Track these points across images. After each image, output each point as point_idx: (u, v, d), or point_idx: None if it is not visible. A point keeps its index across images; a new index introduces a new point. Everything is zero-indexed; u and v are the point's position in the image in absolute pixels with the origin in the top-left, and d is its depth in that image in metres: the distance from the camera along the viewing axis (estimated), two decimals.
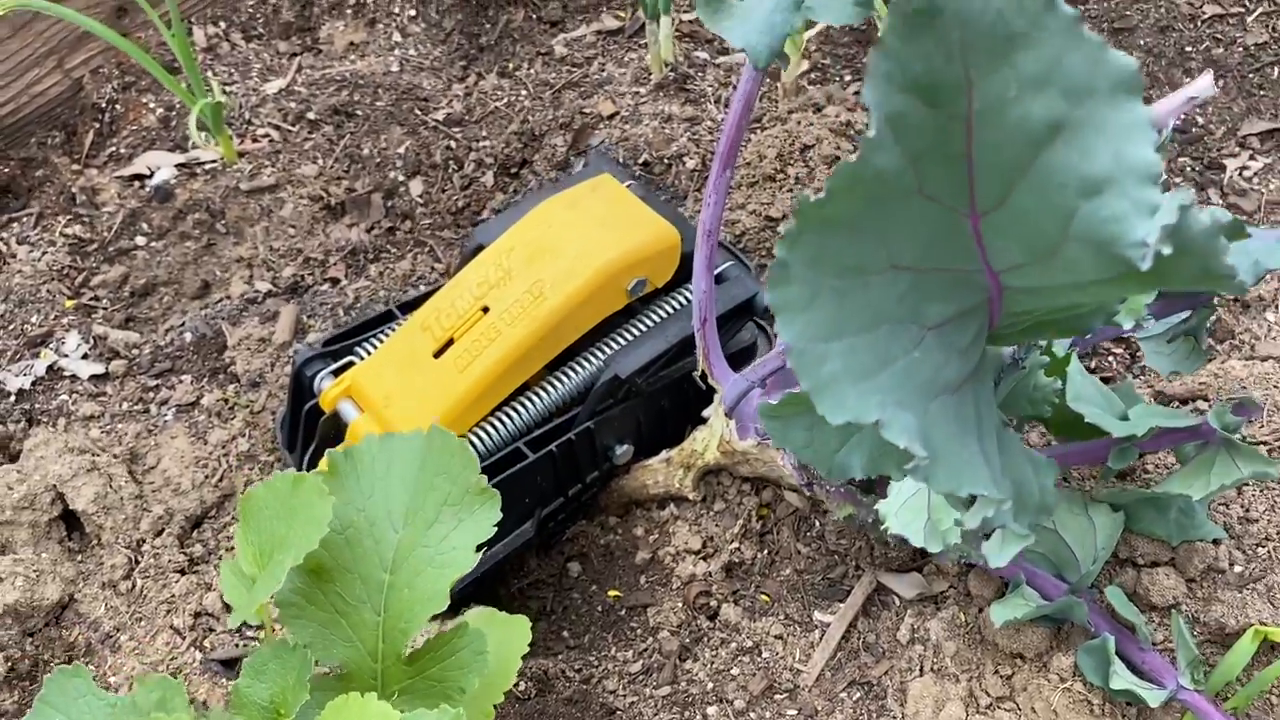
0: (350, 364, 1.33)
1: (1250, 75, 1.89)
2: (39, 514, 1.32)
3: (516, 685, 1.19)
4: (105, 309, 1.66)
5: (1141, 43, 1.89)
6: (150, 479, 1.40)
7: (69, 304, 1.65)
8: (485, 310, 1.27)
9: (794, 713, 1.14)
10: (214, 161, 1.82)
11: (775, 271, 0.62)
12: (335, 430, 1.29)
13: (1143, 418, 1.06)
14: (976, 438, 0.68)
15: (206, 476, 1.41)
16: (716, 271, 1.38)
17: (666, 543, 1.32)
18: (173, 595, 1.29)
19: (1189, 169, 1.80)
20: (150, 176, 1.84)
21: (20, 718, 1.22)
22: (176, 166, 1.84)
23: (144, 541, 1.34)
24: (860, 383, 0.64)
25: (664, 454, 1.35)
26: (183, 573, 1.32)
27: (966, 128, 0.58)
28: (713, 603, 1.26)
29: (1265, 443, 1.20)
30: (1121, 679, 1.03)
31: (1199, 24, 1.92)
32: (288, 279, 1.65)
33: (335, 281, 1.65)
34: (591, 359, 1.30)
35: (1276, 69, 1.88)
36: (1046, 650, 1.11)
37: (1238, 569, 1.12)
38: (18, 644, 1.26)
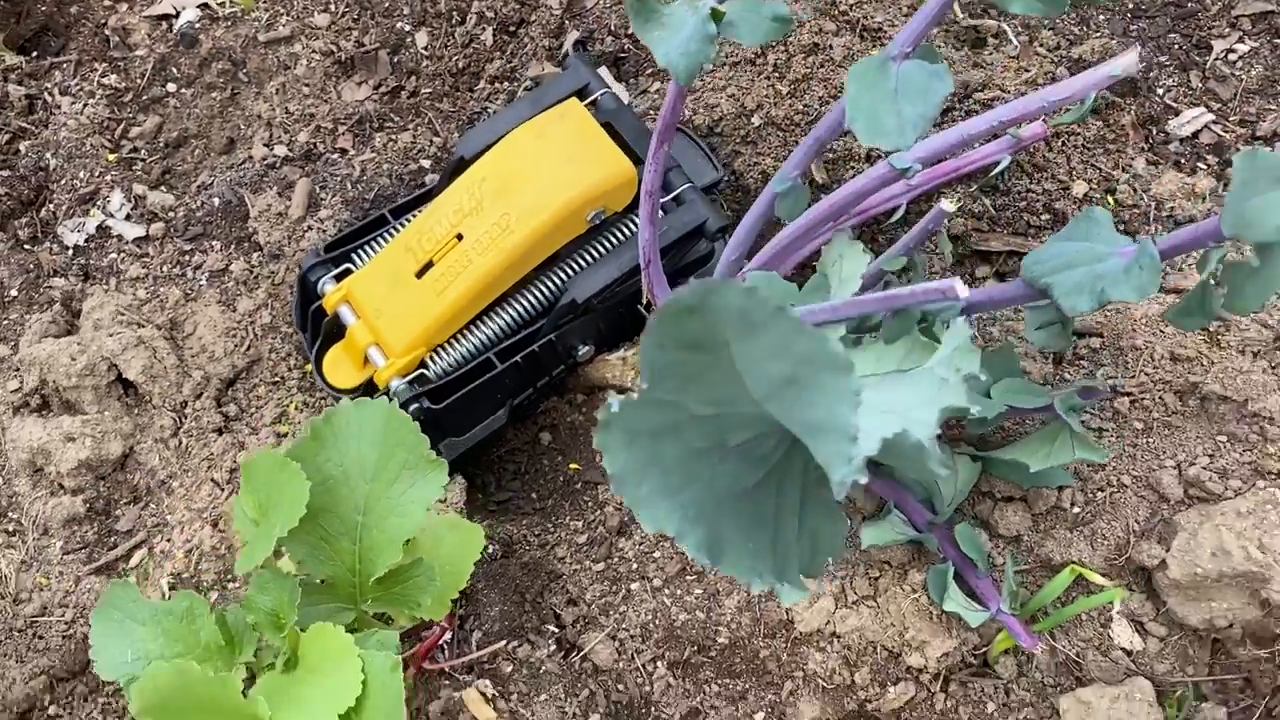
0: (348, 271, 1.52)
1: None
2: (99, 379, 1.59)
3: (487, 548, 1.48)
4: (144, 160, 1.85)
5: None
6: (189, 345, 1.65)
7: (111, 158, 1.84)
8: (459, 238, 1.45)
9: (699, 591, 1.41)
10: (234, 5, 1.92)
11: (601, 426, 0.81)
12: (337, 329, 1.51)
13: (1001, 395, 1.23)
14: (772, 526, 0.88)
15: (236, 345, 1.65)
16: (675, 194, 1.51)
17: None
18: (211, 453, 1.57)
19: (1176, 46, 1.81)
20: (176, 17, 1.95)
21: (99, 546, 1.55)
22: (199, 8, 1.95)
23: (186, 404, 1.61)
24: (668, 499, 0.84)
25: (620, 352, 1.56)
26: (219, 432, 1.59)
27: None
28: None
29: (1131, 394, 1.37)
30: (953, 601, 1.27)
31: None
32: (302, 145, 1.81)
33: (344, 152, 1.81)
34: (553, 280, 1.48)
35: None
36: (907, 563, 1.35)
37: (1075, 511, 1.33)
38: (93, 487, 1.56)
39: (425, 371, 1.46)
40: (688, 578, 1.42)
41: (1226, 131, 1.71)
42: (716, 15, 1.13)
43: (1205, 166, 1.68)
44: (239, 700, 1.08)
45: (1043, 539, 1.33)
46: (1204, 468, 1.29)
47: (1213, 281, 1.06)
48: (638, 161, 1.50)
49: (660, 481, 0.84)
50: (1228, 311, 1.12)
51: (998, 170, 1.51)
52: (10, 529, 1.55)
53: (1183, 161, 1.70)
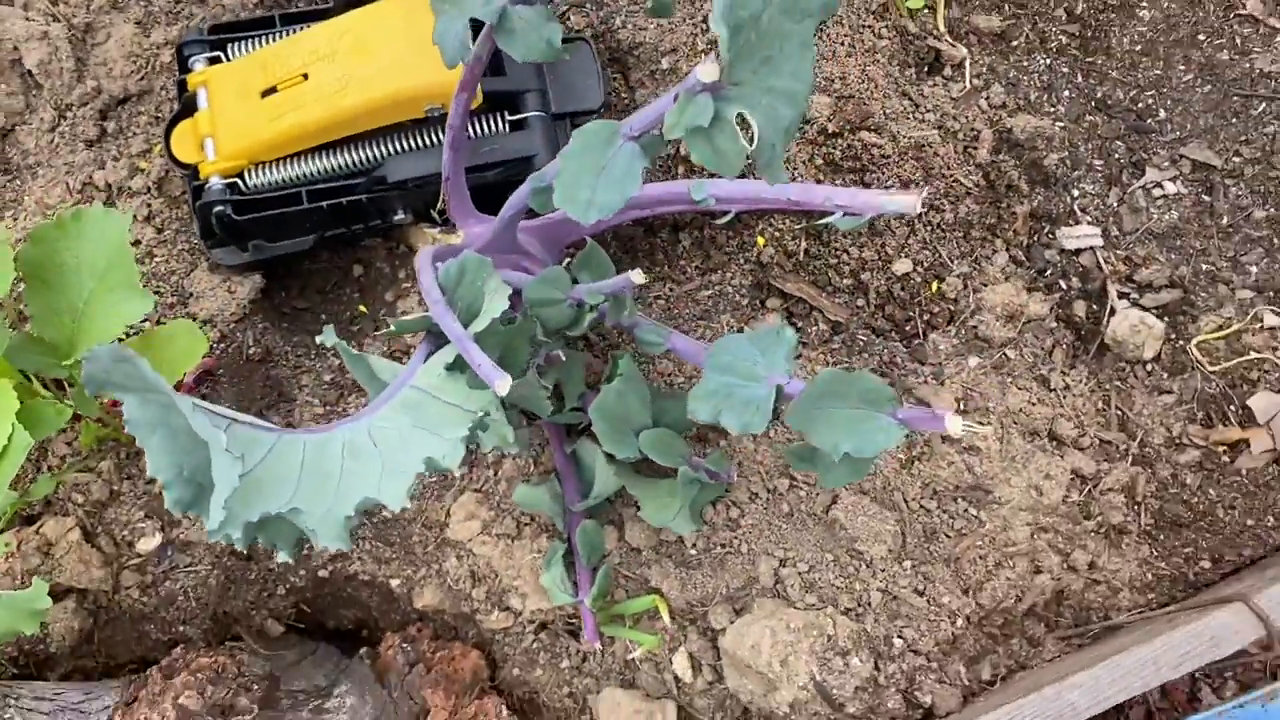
0: (217, 59, 1.62)
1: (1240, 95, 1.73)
2: (3, 55, 1.74)
3: (249, 349, 1.66)
4: None
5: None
6: (95, 54, 1.78)
7: None
8: (305, 77, 1.53)
9: None
10: None
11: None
12: (191, 107, 1.62)
13: (647, 443, 1.34)
14: None
15: (136, 69, 1.77)
16: (521, 116, 1.56)
17: (414, 288, 1.69)
18: (74, 161, 1.73)
19: (1115, 155, 1.75)
20: None
21: None
22: None
23: (71, 107, 1.76)
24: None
25: (435, 229, 1.66)
26: (89, 144, 1.75)
27: None
28: None
29: (784, 485, 1.47)
30: (549, 577, 1.44)
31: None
32: None
33: None
34: (380, 148, 1.56)
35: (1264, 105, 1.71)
36: (549, 526, 1.51)
37: (691, 552, 1.46)
38: None
39: (240, 181, 1.58)
40: None
41: (1106, 264, 1.69)
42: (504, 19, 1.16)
43: (1057, 291, 1.67)
44: None
45: (652, 560, 1.47)
46: (798, 574, 1.40)
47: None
48: (500, 73, 1.55)
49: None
50: (821, 484, 1.20)
51: (825, 221, 1.52)
52: None
53: (1040, 275, 1.69)
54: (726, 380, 1.20)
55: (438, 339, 1.26)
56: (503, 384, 1.04)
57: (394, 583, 1.57)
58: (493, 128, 1.57)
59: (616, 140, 1.12)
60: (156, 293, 1.66)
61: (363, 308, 1.73)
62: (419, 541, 1.56)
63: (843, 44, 1.69)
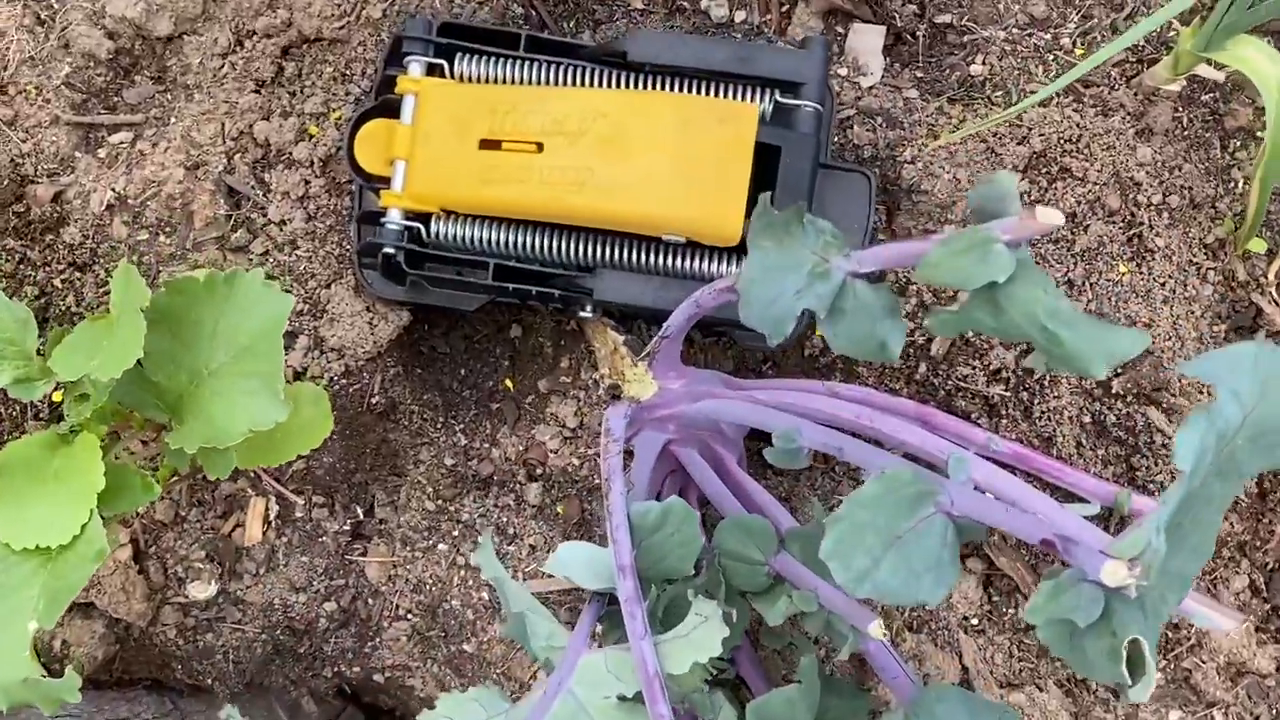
0: (439, 69, 1.32)
1: None
2: None
3: (373, 397, 1.43)
4: None
5: None
6: None
7: None
8: (539, 148, 1.24)
9: (473, 581, 1.38)
10: None
11: None
12: (389, 109, 1.34)
13: None
14: None
15: (341, 11, 1.47)
16: None
17: (573, 386, 1.45)
18: (237, 101, 1.45)
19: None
20: None
21: (96, 99, 1.49)
22: None
23: (251, 33, 1.47)
24: None
25: (620, 335, 1.39)
26: (259, 86, 1.46)
27: None
28: None
29: None
30: None
31: None
32: None
33: None
34: (591, 248, 1.29)
35: None
36: None
37: None
38: (130, 42, 1.47)
39: (423, 228, 1.31)
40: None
41: None
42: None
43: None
44: None
45: None
46: None
47: None
48: None
49: None
50: None
51: None
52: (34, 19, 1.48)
53: (1276, 614, 1.43)
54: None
55: (606, 598, 1.03)
56: None
57: None
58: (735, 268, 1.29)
59: (925, 508, 0.87)
60: (287, 290, 1.42)
61: (509, 382, 1.48)
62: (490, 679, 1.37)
63: (1165, 282, 1.39)
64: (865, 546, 0.85)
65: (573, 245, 1.29)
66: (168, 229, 1.42)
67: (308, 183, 1.45)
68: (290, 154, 1.45)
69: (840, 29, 1.49)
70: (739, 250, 1.27)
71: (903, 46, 1.49)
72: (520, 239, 1.30)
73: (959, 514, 0.84)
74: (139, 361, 1.13)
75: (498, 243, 1.31)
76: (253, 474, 1.37)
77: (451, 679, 1.38)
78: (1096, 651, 0.74)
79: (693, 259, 1.28)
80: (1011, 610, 1.36)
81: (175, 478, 1.36)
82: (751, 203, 1.21)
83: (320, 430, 1.23)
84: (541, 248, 1.30)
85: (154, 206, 1.42)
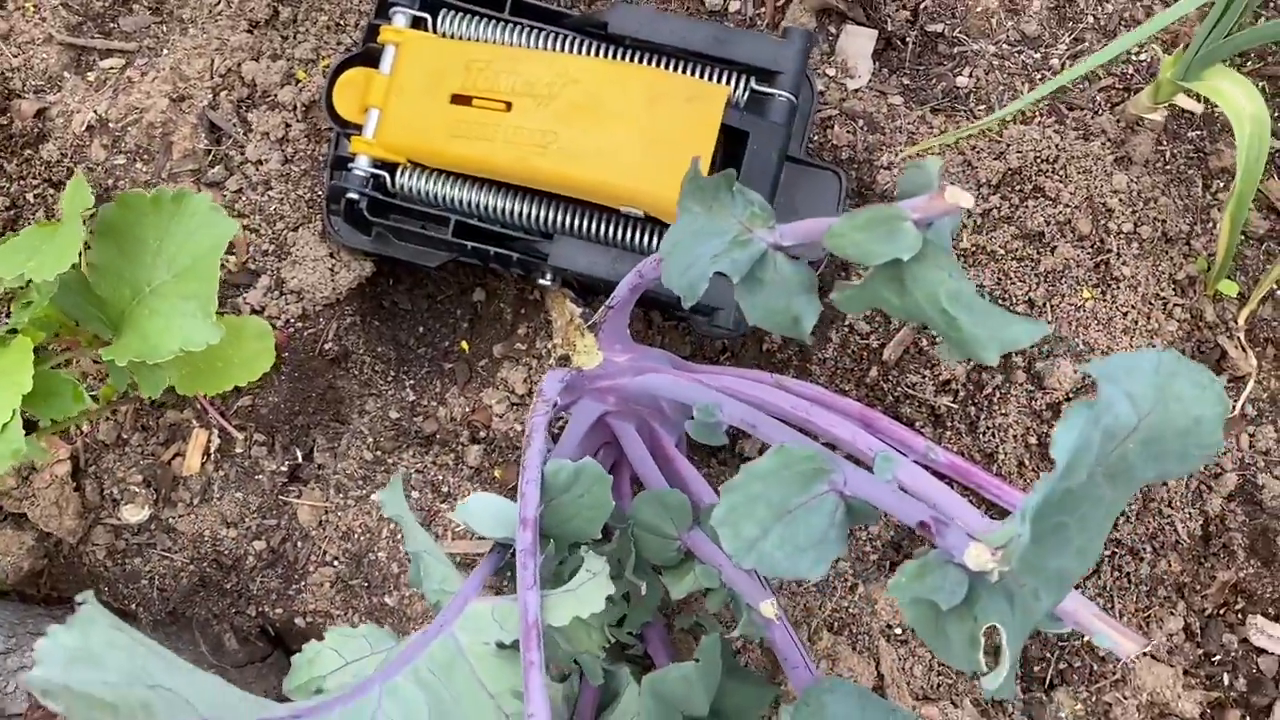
0: (422, 21, 1.33)
1: None
2: None
3: (327, 342, 1.43)
4: None
5: None
6: None
7: None
8: (508, 107, 1.25)
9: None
10: None
11: None
12: (375, 58, 1.35)
13: None
14: None
15: None
16: None
17: (527, 354, 1.45)
18: (227, 38, 1.47)
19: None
20: None
21: (92, 24, 1.51)
22: None
23: None
24: None
25: (581, 309, 1.39)
26: (252, 28, 1.48)
27: None
28: None
29: None
30: None
31: None
32: None
33: None
34: (550, 213, 1.29)
35: None
36: None
37: None
38: None
39: (389, 177, 1.32)
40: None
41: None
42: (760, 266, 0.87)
43: (1218, 688, 1.40)
44: None
45: None
46: None
47: None
48: None
49: None
50: None
51: None
52: None
53: (1207, 660, 1.41)
54: None
55: (505, 553, 1.03)
56: None
57: None
58: None
59: (819, 485, 0.86)
60: (253, 230, 1.43)
61: (465, 345, 1.48)
62: None
63: (1127, 312, 1.37)
64: (756, 517, 0.84)
65: (533, 210, 1.29)
66: (145, 156, 1.44)
67: (288, 126, 1.46)
68: (275, 96, 1.46)
69: (833, 29, 1.49)
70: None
71: (892, 52, 1.48)
72: (482, 199, 1.31)
73: (850, 494, 0.84)
74: (86, 276, 1.15)
75: (460, 201, 1.31)
76: (199, 405, 1.38)
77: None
78: (958, 635, 0.73)
79: (651, 235, 1.27)
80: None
81: (122, 400, 1.37)
82: None
83: (261, 363, 1.24)
84: (502, 210, 1.30)
85: (134, 133, 1.43)
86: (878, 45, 1.47)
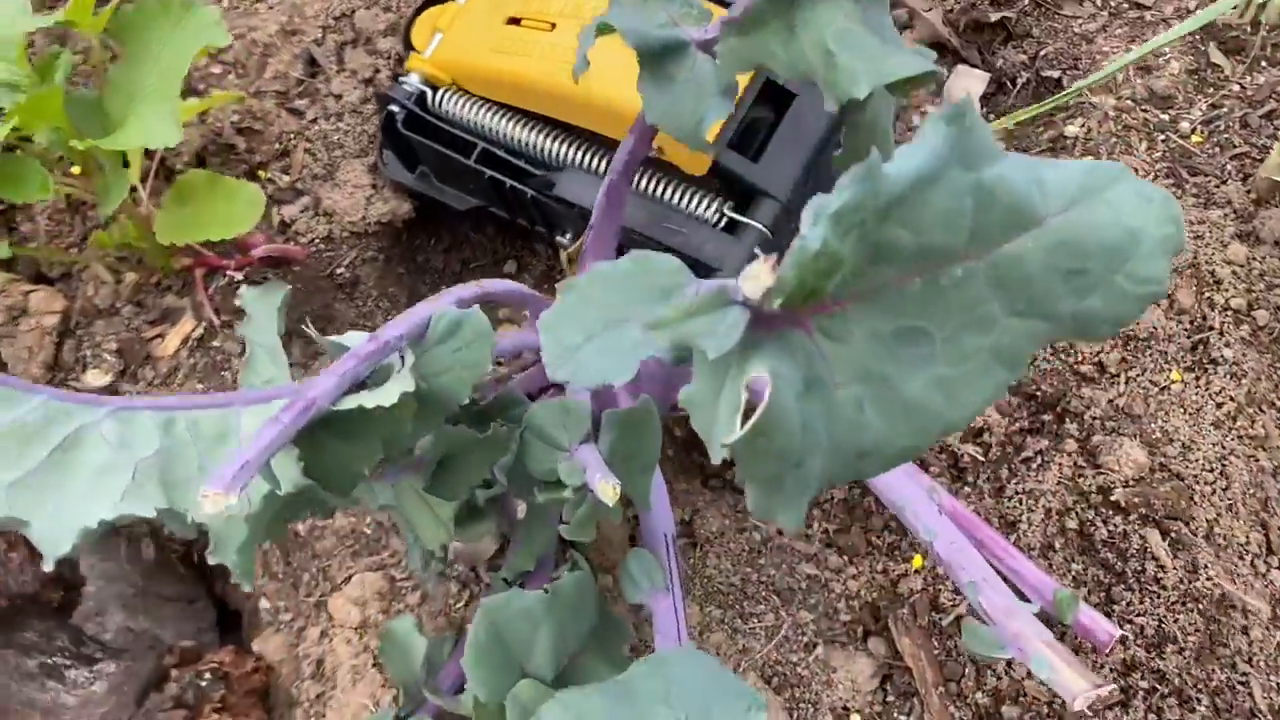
0: None
1: None
2: None
3: (339, 268, 1.38)
4: None
5: None
6: None
7: None
8: (552, 27, 1.20)
9: None
10: None
11: None
12: None
13: None
14: None
15: None
16: (740, 219, 1.15)
17: None
18: None
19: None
20: None
21: None
22: None
23: None
24: None
25: None
26: None
27: None
28: None
29: None
30: None
31: None
32: None
33: None
34: (566, 148, 1.21)
35: None
36: None
37: None
38: None
39: (431, 94, 1.29)
40: None
41: None
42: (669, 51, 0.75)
43: None
44: None
45: None
46: None
47: None
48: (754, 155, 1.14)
49: None
50: None
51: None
52: None
53: None
54: None
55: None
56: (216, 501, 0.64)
57: (262, 604, 1.24)
58: (702, 208, 1.16)
59: (641, 304, 0.69)
60: (311, 154, 1.42)
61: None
62: (308, 581, 1.21)
63: (1222, 404, 1.12)
64: (584, 322, 0.69)
65: (548, 141, 1.22)
66: (240, 70, 1.48)
67: (377, 70, 1.47)
68: (375, 43, 1.49)
69: (944, 68, 1.38)
70: (701, 184, 1.15)
71: (1002, 95, 1.35)
72: (508, 127, 1.25)
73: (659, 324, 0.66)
74: (100, 94, 1.16)
75: (486, 127, 1.26)
76: (198, 300, 1.34)
77: (277, 567, 1.24)
78: (724, 408, 0.53)
79: (655, 181, 1.17)
80: (903, 717, 1.06)
81: (128, 264, 1.35)
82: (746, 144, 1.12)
83: (241, 223, 1.19)
84: (524, 140, 1.24)
85: (238, 47, 1.49)
86: (988, 89, 1.35)
